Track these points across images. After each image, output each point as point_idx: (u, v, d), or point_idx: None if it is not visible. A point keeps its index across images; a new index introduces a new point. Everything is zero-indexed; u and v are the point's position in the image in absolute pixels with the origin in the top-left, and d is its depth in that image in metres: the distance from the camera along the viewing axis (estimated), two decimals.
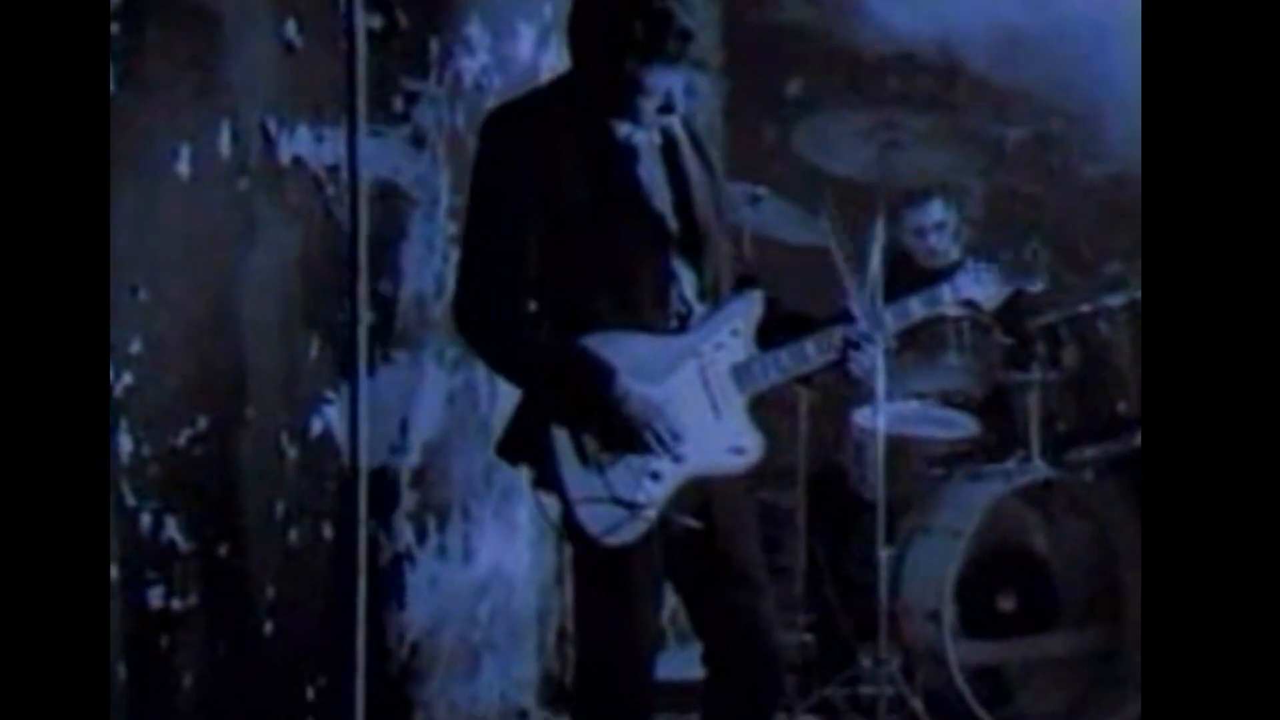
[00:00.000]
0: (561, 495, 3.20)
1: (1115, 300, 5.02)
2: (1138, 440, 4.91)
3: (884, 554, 4.82)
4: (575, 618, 3.40)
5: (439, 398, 4.60)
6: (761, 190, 5.05)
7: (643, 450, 3.20)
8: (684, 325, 3.31)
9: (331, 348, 4.08)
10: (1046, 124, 6.62)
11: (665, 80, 3.22)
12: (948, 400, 5.24)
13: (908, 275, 5.52)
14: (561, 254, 3.23)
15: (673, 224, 3.30)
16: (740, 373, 3.34)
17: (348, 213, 3.99)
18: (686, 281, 3.32)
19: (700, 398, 3.30)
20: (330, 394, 4.10)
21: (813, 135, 5.05)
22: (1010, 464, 5.06)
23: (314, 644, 4.01)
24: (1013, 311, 5.21)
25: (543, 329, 3.25)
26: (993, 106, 6.58)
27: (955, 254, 5.71)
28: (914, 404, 5.23)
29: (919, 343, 5.05)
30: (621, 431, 3.20)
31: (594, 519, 3.19)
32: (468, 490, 4.77)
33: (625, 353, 3.21)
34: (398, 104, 4.40)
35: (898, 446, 5.30)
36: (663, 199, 3.31)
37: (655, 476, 3.23)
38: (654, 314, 3.28)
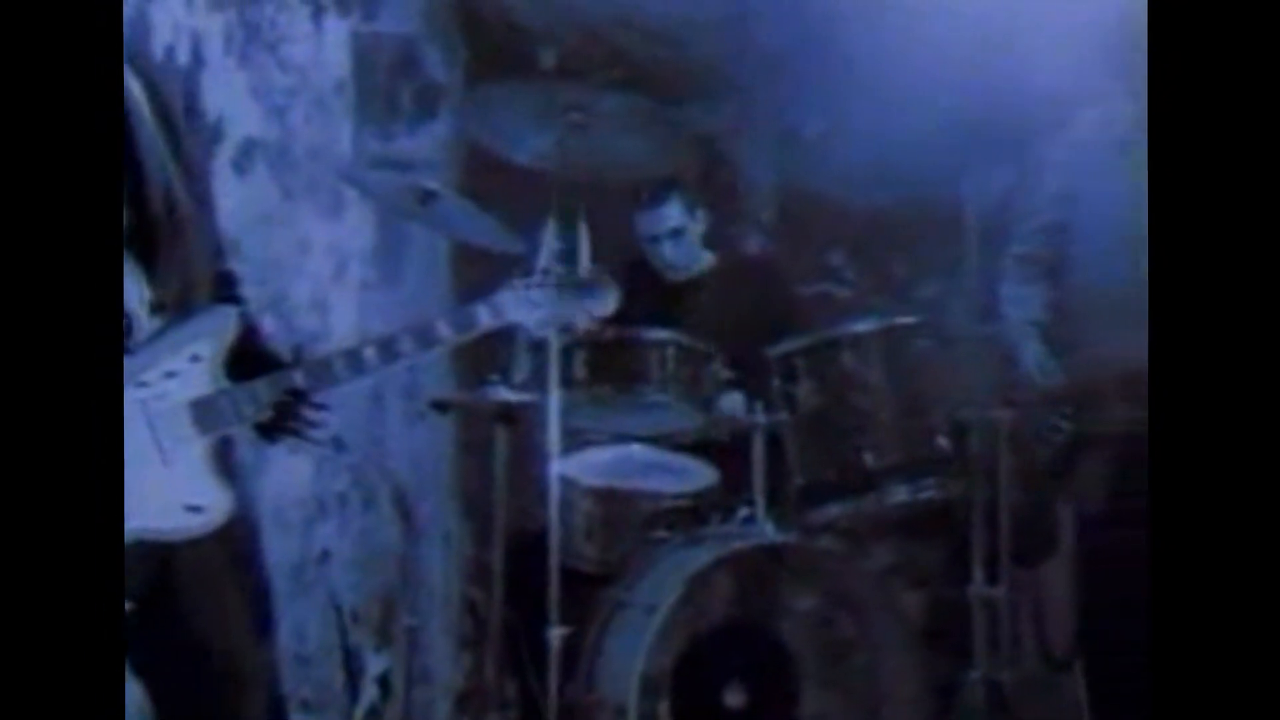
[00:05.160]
0: None
1: (864, 327, 4.72)
2: (891, 498, 4.64)
3: (556, 634, 4.45)
4: None
5: None
6: (433, 185, 4.65)
7: None
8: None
9: None
10: (848, 111, 6.19)
11: None
12: (696, 445, 4.88)
13: (650, 294, 5.19)
14: None
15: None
16: (201, 410, 2.97)
17: None
18: (131, 289, 2.94)
19: (143, 440, 2.93)
20: None
21: (480, 115, 4.68)
22: (732, 525, 4.70)
23: None
24: (740, 338, 4.90)
25: None
26: (784, 86, 6.18)
27: (705, 264, 5.36)
28: (637, 448, 4.86)
29: (612, 374, 4.67)
30: None
31: None
32: None
33: None
34: None
35: (617, 502, 4.96)
36: None
37: None
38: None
